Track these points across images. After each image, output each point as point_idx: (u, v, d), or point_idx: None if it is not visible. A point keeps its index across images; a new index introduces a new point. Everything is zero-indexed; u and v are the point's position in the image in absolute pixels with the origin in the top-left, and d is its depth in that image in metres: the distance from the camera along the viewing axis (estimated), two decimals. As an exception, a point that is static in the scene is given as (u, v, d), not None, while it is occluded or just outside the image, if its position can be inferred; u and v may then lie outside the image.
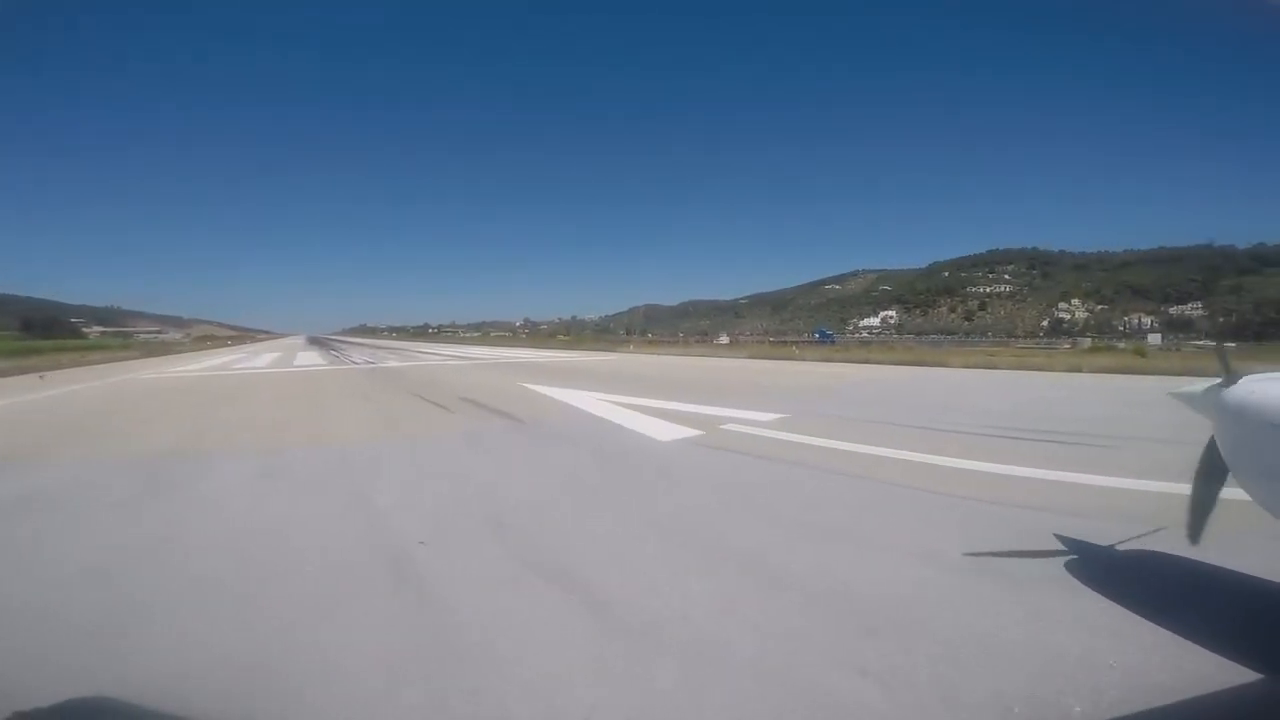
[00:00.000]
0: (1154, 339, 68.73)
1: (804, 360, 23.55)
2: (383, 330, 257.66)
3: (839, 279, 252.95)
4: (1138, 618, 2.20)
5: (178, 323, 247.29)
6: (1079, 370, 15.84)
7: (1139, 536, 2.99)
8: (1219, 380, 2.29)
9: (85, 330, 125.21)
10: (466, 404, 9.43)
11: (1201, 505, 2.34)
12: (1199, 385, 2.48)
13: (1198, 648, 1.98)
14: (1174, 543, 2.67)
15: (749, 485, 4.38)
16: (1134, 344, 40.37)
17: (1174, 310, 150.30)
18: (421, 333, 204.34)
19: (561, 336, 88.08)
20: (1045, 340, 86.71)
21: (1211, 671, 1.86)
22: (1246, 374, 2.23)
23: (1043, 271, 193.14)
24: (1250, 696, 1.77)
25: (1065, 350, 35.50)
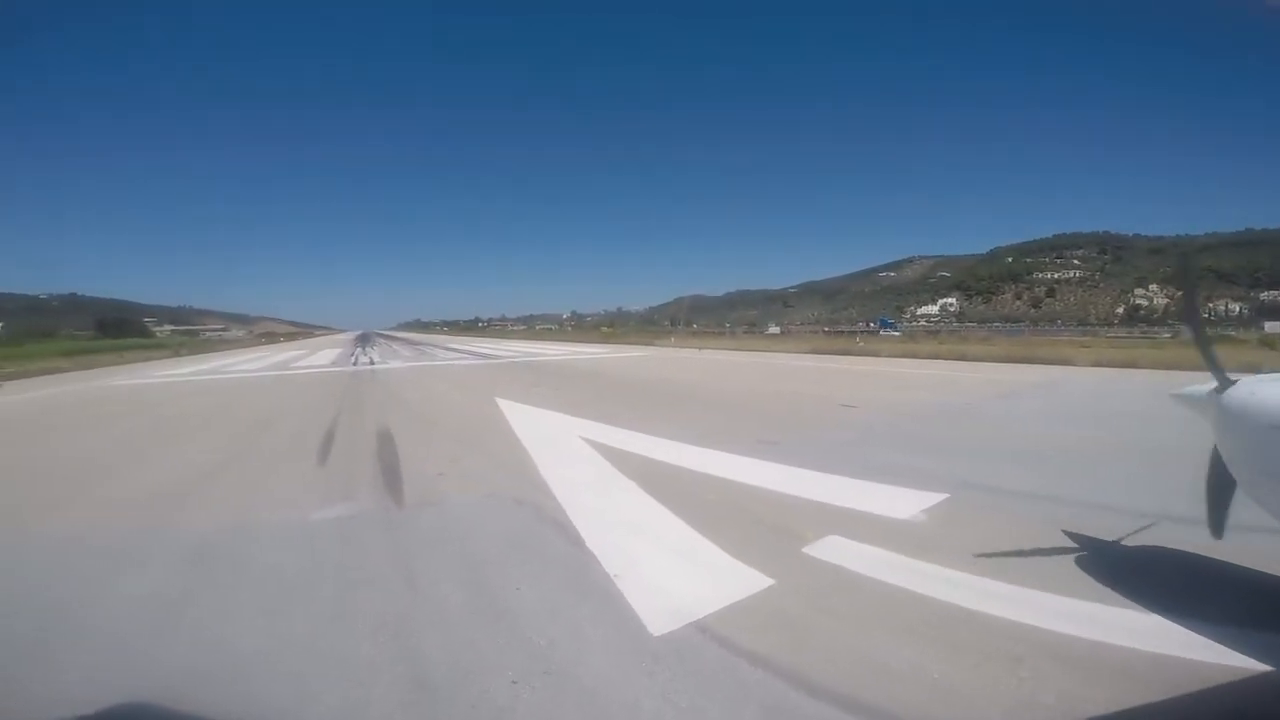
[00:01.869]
0: (1273, 327, 59.81)
1: (876, 355, 19.45)
2: (436, 325, 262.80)
3: (893, 266, 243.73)
4: None
5: (243, 320, 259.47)
6: (1259, 367, 11.31)
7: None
8: (1219, 383, 2.29)
9: (156, 329, 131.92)
10: (368, 443, 6.20)
11: (1218, 504, 2.41)
12: (1199, 387, 2.47)
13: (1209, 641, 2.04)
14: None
15: None
16: (1258, 334, 34.54)
17: (1265, 296, 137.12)
18: (472, 327, 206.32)
19: (605, 329, 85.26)
20: (1140, 329, 77.50)
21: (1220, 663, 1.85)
22: (1246, 376, 2.27)
23: (1114, 256, 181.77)
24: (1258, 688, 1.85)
25: (1170, 340, 29.67)
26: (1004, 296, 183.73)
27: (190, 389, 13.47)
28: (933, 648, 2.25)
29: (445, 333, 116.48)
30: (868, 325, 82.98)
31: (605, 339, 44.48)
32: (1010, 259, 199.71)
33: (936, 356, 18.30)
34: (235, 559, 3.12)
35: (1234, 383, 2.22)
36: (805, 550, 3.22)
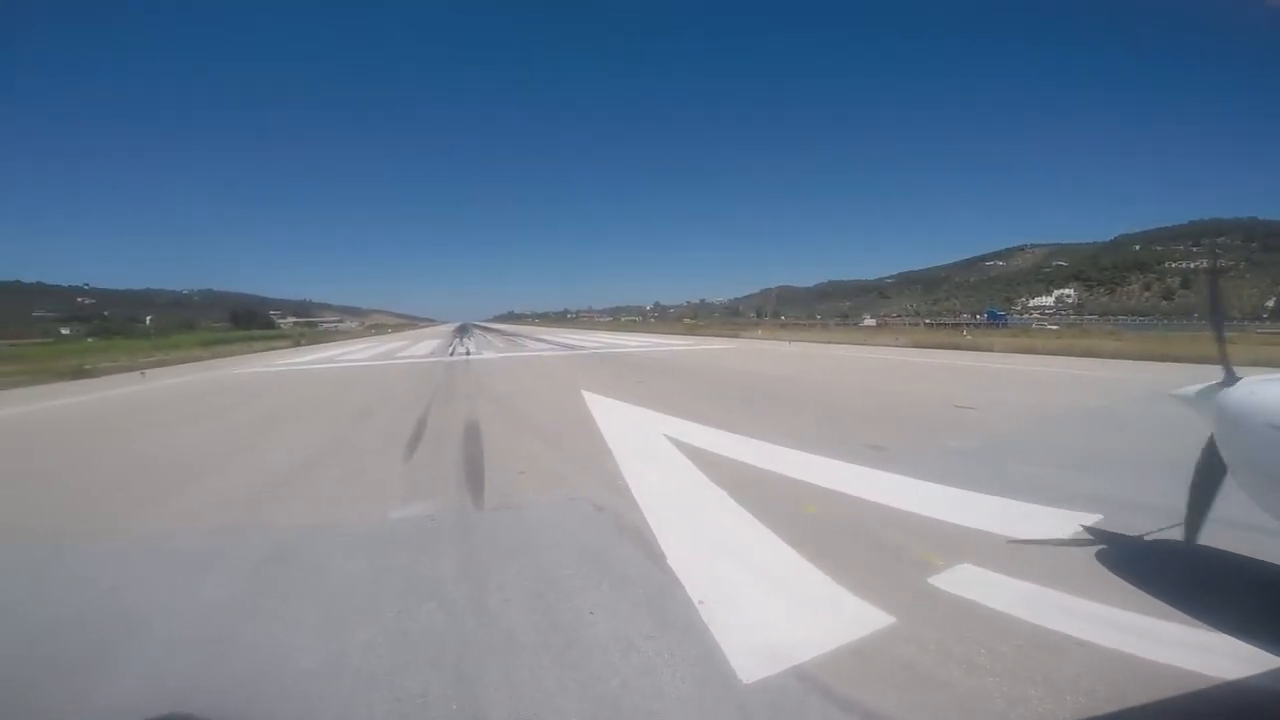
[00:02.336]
0: None
1: (988, 350, 17.65)
2: (528, 317, 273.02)
3: (1002, 254, 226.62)
4: None
5: (356, 313, 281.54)
6: None
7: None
8: (1218, 382, 2.31)
9: (280, 321, 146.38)
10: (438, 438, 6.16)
11: (1198, 505, 2.40)
12: (1199, 386, 2.46)
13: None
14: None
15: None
16: None
17: None
18: (560, 318, 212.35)
19: (687, 320, 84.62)
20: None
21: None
22: (1246, 376, 2.26)
23: (1263, 244, 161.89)
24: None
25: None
26: (1130, 288, 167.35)
27: (303, 378, 14.43)
28: (1098, 708, 1.76)
29: (535, 324, 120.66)
30: (973, 317, 76.71)
31: (688, 330, 43.99)
32: (1138, 246, 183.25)
33: (1059, 352, 16.32)
34: (309, 565, 3.04)
35: (1238, 380, 2.20)
36: (932, 581, 2.72)
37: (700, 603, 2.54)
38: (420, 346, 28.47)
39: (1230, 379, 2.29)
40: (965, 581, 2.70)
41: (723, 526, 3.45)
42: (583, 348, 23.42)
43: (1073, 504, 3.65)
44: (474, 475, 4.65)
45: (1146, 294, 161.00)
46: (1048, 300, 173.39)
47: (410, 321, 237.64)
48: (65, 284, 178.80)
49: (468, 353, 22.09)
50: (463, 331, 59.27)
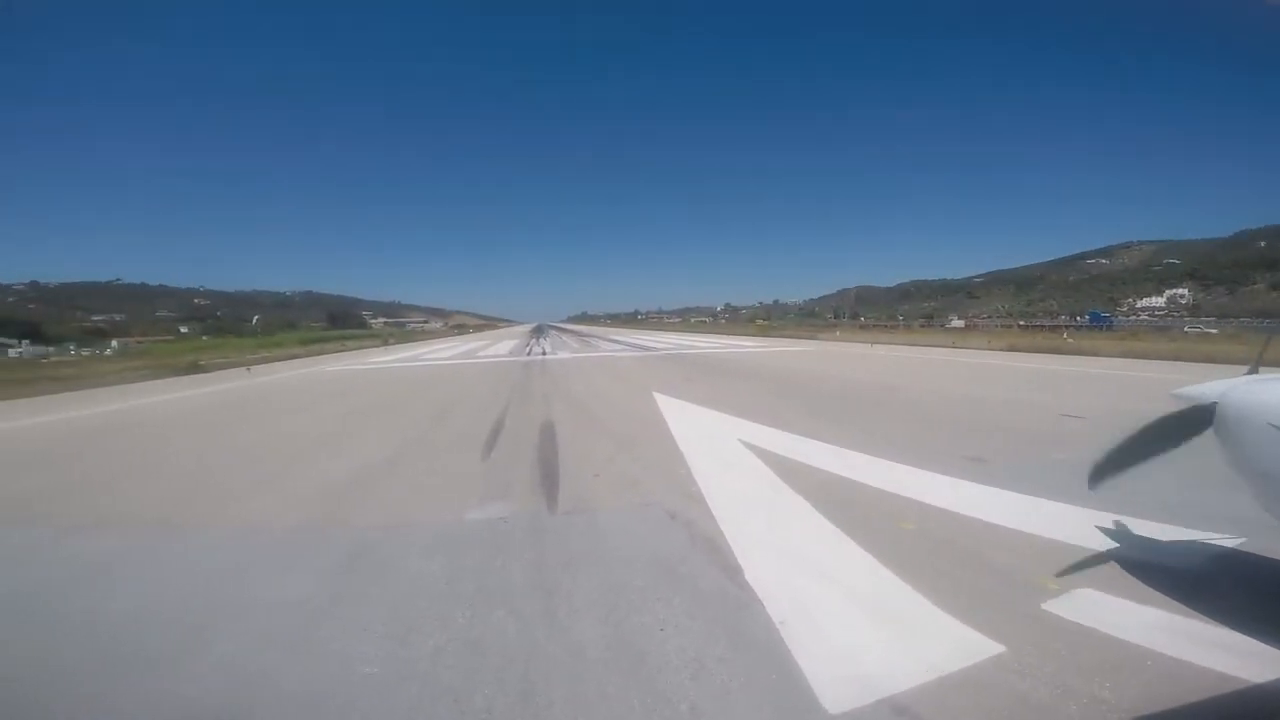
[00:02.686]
0: None
1: (1094, 355, 16.01)
2: (600, 317, 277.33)
3: (1104, 252, 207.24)
4: None
5: (441, 313, 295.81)
6: None
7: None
8: (1218, 381, 2.31)
9: (371, 320, 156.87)
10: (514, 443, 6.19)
11: (1123, 455, 2.29)
12: (1198, 387, 2.43)
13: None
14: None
15: None
16: None
17: None
18: (631, 319, 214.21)
19: (760, 321, 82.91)
20: None
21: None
22: (1246, 375, 2.26)
23: None
24: None
25: None
26: (1254, 287, 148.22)
27: (390, 375, 15.20)
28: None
29: (607, 325, 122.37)
30: (1072, 319, 70.37)
31: (760, 332, 43.03)
32: (1263, 243, 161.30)
33: (1179, 357, 14.54)
34: (384, 566, 3.04)
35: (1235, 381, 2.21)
36: (1046, 607, 2.41)
37: (781, 623, 2.34)
38: (499, 346, 29.43)
39: (1252, 373, 2.28)
40: (1084, 607, 2.38)
41: (806, 540, 3.21)
42: (653, 348, 23.40)
43: (1208, 525, 3.15)
44: (548, 477, 4.62)
45: (1275, 294, 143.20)
46: (1158, 301, 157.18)
47: (489, 322, 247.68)
48: (184, 286, 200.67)
49: (543, 353, 22.59)
50: (538, 332, 60.99)
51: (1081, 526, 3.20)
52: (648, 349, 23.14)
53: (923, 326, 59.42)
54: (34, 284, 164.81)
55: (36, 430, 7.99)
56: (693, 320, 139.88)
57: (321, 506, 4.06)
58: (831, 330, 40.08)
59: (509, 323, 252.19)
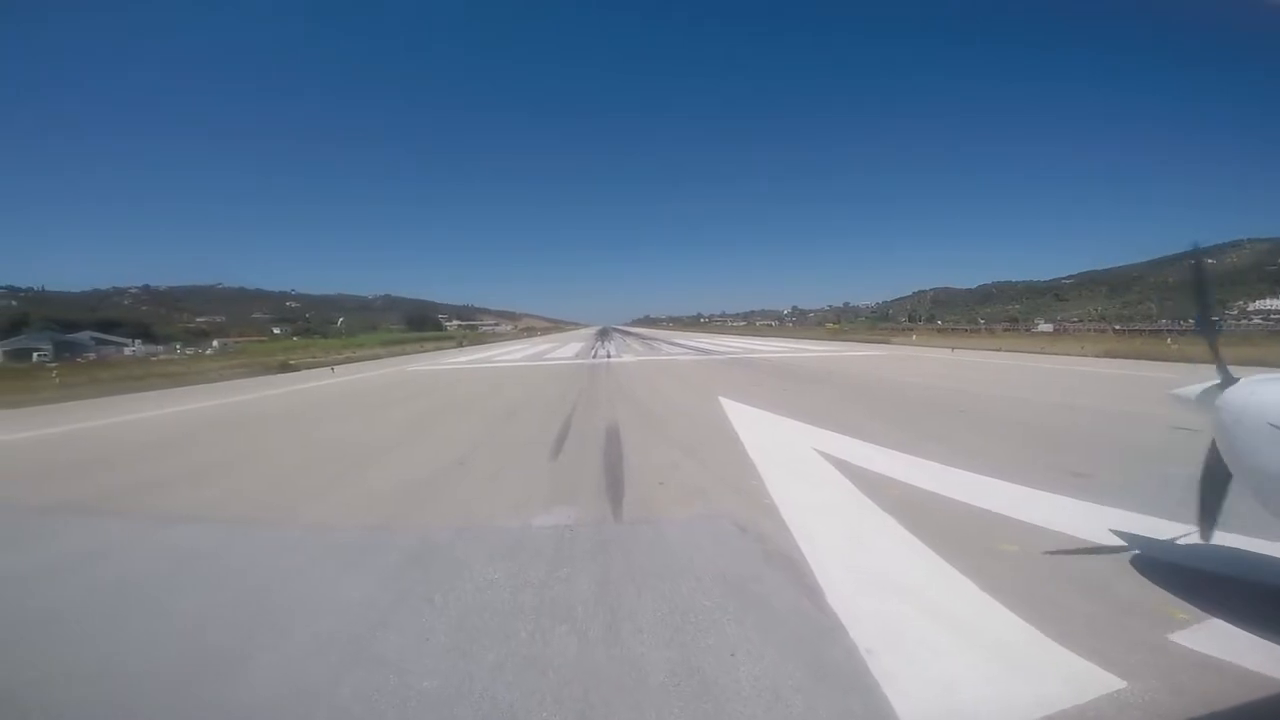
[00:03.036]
0: None
1: (1205, 361, 14.17)
2: (663, 320, 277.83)
3: (1211, 251, 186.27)
4: None
5: (511, 316, 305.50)
6: None
7: None
8: (1218, 381, 2.30)
9: (446, 323, 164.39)
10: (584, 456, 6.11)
11: (1209, 505, 2.34)
12: (1197, 387, 2.44)
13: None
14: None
15: None
16: None
17: None
18: (694, 322, 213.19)
19: (830, 325, 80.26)
20: None
21: None
22: (1245, 376, 2.25)
23: None
24: None
25: None
26: None
27: (465, 375, 15.71)
28: None
29: (670, 328, 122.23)
30: (1174, 323, 63.73)
31: (831, 335, 41.60)
32: None
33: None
34: (448, 571, 2.96)
35: (1236, 381, 2.19)
36: (1173, 638, 2.12)
37: (868, 651, 2.10)
38: (566, 349, 29.82)
39: (1227, 379, 2.28)
40: (1216, 640, 2.09)
41: (894, 559, 2.92)
42: (717, 352, 23.04)
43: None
44: (614, 483, 4.50)
45: None
46: (1275, 303, 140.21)
47: (556, 324, 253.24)
48: (277, 290, 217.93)
49: (608, 355, 22.70)
50: (603, 335, 61.68)
51: (1214, 553, 2.76)
52: (711, 353, 22.80)
53: (1007, 331, 55.60)
54: (146, 287, 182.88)
55: (166, 420, 8.72)
56: (758, 323, 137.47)
57: (394, 506, 4.10)
58: (907, 334, 38.17)
59: (574, 325, 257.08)
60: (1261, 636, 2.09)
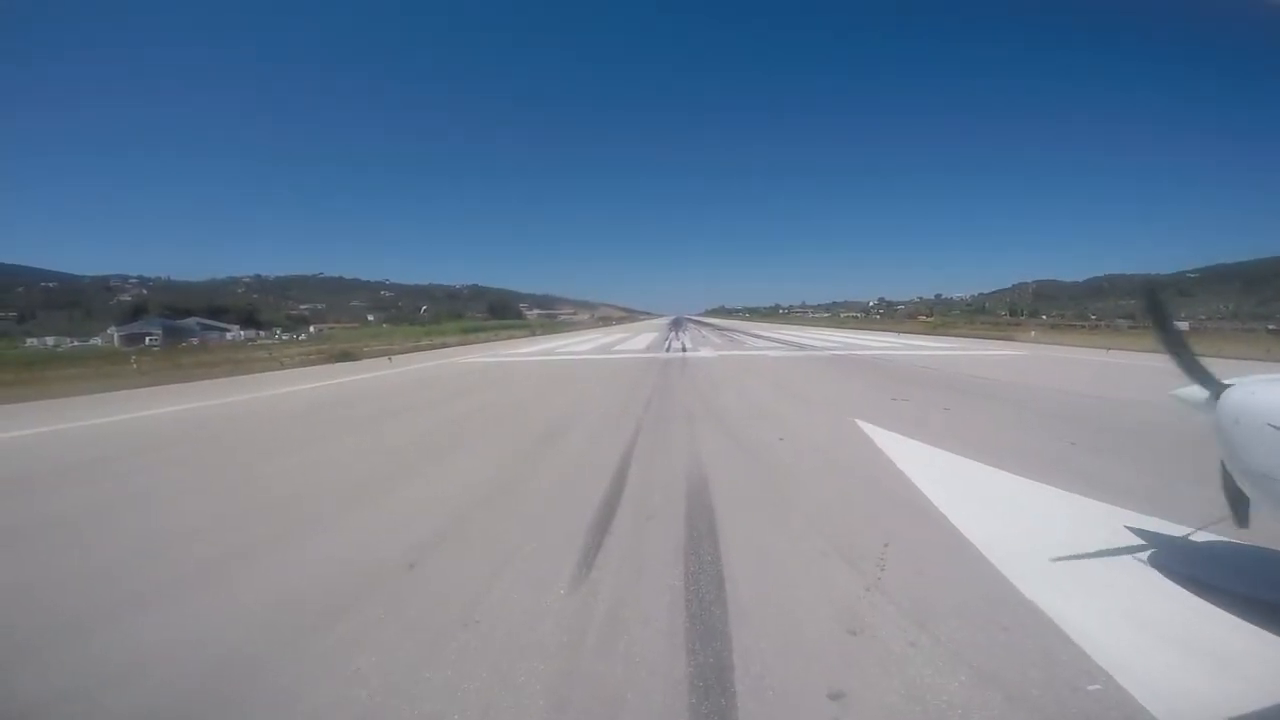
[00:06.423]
0: None
1: None
2: (738, 311, 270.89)
3: None
4: None
5: (588, 305, 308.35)
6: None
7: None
8: (1216, 384, 2.26)
9: (527, 312, 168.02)
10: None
11: (1238, 495, 2.22)
12: (1192, 388, 2.41)
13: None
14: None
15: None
16: None
17: None
18: (772, 313, 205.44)
19: (924, 318, 73.58)
20: None
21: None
22: (1245, 376, 2.20)
23: None
24: None
25: None
26: None
27: (513, 372, 13.72)
28: None
29: (746, 319, 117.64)
30: None
31: (928, 329, 37.07)
32: None
33: None
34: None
35: (1228, 386, 2.19)
36: None
37: None
38: (637, 340, 27.59)
39: (1219, 385, 2.21)
40: None
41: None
42: (815, 347, 19.79)
43: None
44: (703, 675, 1.93)
45: None
46: None
47: (631, 314, 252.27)
48: (373, 279, 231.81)
49: (683, 348, 20.15)
50: (676, 325, 58.86)
51: None
52: (807, 348, 19.56)
53: (1132, 329, 48.03)
54: (257, 276, 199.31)
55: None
56: (842, 315, 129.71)
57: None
58: (1022, 330, 32.96)
59: (648, 315, 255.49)
60: None
